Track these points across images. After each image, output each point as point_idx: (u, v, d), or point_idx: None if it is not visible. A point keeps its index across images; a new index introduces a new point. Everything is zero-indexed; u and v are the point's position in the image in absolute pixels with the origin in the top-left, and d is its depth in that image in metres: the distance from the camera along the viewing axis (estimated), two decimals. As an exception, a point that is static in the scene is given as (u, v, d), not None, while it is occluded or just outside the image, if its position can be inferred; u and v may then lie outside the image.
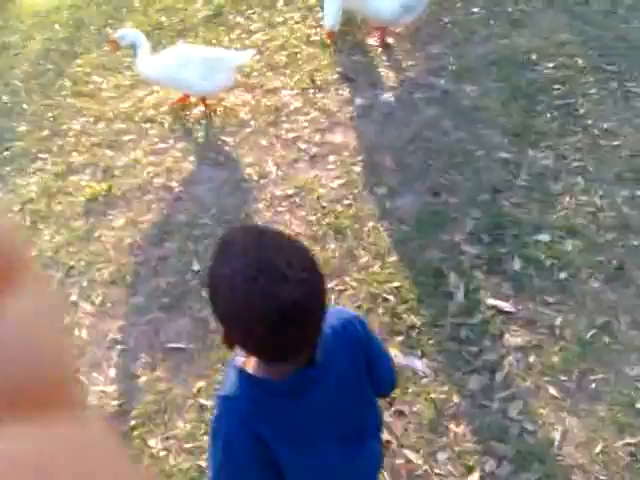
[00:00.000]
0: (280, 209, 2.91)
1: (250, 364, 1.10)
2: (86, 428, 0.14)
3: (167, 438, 2.06)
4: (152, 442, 2.05)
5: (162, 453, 2.02)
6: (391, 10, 3.73)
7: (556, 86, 3.48)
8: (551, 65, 3.66)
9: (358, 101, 3.59)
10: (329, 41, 3.95)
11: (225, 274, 0.97)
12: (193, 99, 3.69)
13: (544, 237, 2.57)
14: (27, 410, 0.14)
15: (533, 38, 3.92)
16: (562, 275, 2.38)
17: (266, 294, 0.94)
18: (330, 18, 3.70)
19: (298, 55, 4.07)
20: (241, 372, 1.09)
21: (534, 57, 3.74)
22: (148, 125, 3.62)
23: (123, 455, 0.15)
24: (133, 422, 2.10)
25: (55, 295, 0.16)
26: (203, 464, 1.97)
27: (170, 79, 3.37)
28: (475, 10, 4.34)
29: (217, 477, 1.06)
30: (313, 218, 2.82)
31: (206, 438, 2.05)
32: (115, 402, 2.18)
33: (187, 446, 2.03)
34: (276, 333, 0.96)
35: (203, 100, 3.63)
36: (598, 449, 1.83)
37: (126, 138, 3.54)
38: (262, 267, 0.95)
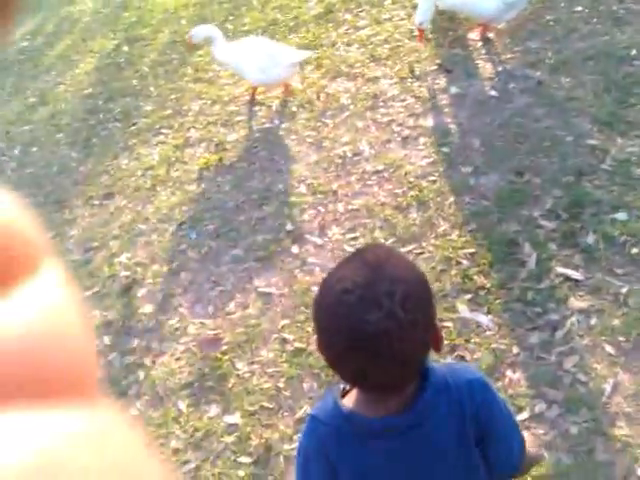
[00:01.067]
0: (369, 182, 3.15)
1: (351, 396, 1.08)
2: (103, 418, 0.14)
3: (252, 363, 2.35)
4: (239, 365, 2.35)
5: (247, 375, 2.31)
6: (494, 7, 3.88)
7: (653, 79, 3.50)
8: (651, 60, 3.66)
9: (453, 90, 3.77)
10: (418, 38, 4.05)
11: (332, 281, 0.98)
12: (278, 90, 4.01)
13: (621, 216, 2.64)
14: (44, 400, 0.13)
15: (635, 35, 3.93)
16: (634, 250, 2.46)
17: (352, 311, 0.93)
18: (420, 15, 3.84)
19: (400, 48, 4.29)
20: (335, 399, 1.07)
21: (634, 52, 3.75)
22: (257, 107, 3.99)
23: (140, 445, 0.14)
24: (224, 347, 2.41)
25: (71, 283, 0.16)
26: (281, 385, 2.24)
27: (235, 66, 3.73)
28: (578, 9, 4.37)
29: None
30: (399, 191, 3.04)
31: (285, 366, 2.33)
32: (211, 332, 2.50)
33: (269, 370, 2.31)
34: (352, 354, 0.94)
35: (254, 89, 3.94)
36: (647, 400, 1.93)
37: (238, 118, 3.92)
38: (362, 284, 0.94)
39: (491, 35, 4.23)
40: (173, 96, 4.27)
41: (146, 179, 3.49)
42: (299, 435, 1.18)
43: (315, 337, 1.03)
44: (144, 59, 4.86)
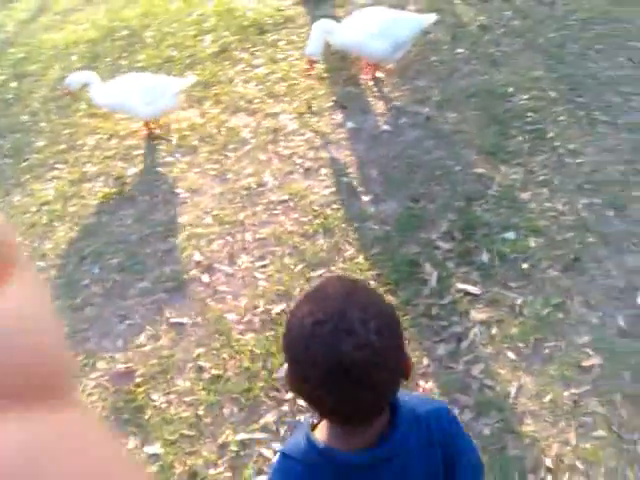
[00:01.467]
0: (276, 212, 3.22)
1: (322, 430, 1.07)
2: (80, 421, 0.14)
3: (168, 393, 2.31)
4: (155, 396, 2.30)
5: (164, 405, 2.27)
6: (383, 48, 4.13)
7: (529, 114, 3.85)
8: (525, 97, 4.03)
9: (349, 124, 3.95)
10: (308, 68, 4.13)
11: (300, 314, 0.98)
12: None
13: (510, 235, 2.87)
14: (22, 402, 0.13)
15: (510, 75, 4.32)
16: (524, 265, 2.68)
17: (327, 342, 0.93)
18: (310, 46, 3.95)
19: (296, 86, 4.45)
20: (308, 434, 1.06)
21: (510, 90, 4.12)
22: (157, 142, 3.97)
23: (117, 450, 0.14)
24: (138, 380, 2.36)
25: (45, 290, 0.16)
26: (201, 412, 2.22)
27: (119, 106, 3.76)
28: (460, 50, 4.75)
29: None
30: (305, 219, 3.13)
31: (203, 393, 2.31)
32: (122, 365, 2.43)
33: (186, 399, 2.28)
34: (329, 385, 0.94)
35: (147, 124, 3.98)
36: (547, 399, 2.09)
37: (136, 152, 3.88)
38: (334, 315, 0.94)
39: (381, 75, 4.49)
40: (67, 131, 4.17)
41: (42, 215, 3.37)
42: (268, 473, 1.11)
43: (286, 374, 1.03)
44: (34, 95, 4.71)
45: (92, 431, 0.15)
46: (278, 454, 1.09)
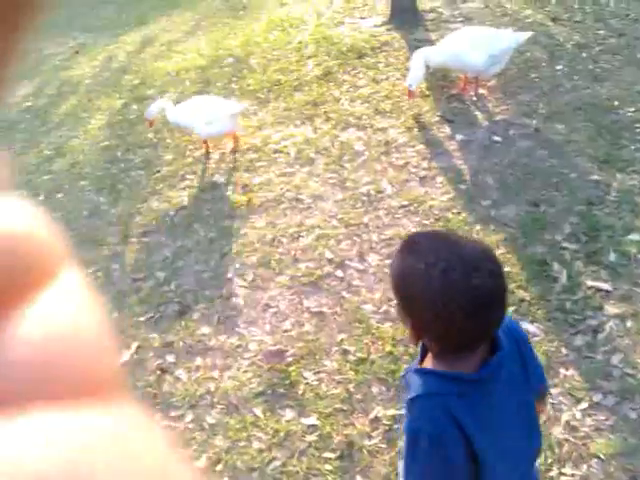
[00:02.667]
0: (397, 216, 3.40)
1: (430, 366, 1.18)
2: (126, 419, 0.14)
3: (318, 372, 2.49)
4: (306, 374, 2.48)
5: (315, 382, 2.45)
6: (482, 61, 4.31)
7: (637, 125, 3.92)
8: (632, 109, 4.10)
9: (458, 137, 4.11)
10: (408, 96, 4.40)
11: (420, 268, 1.07)
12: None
13: (635, 237, 2.94)
14: (64, 402, 0.13)
15: (614, 89, 4.40)
16: (653, 263, 2.75)
17: (462, 282, 1.05)
18: (410, 78, 4.25)
19: (401, 103, 4.66)
20: (429, 371, 1.16)
21: (616, 103, 4.20)
22: (276, 155, 4.24)
23: (164, 446, 0.14)
24: (289, 359, 2.55)
25: (91, 291, 0.15)
26: (351, 389, 2.39)
27: (185, 125, 4.11)
28: (559, 67, 4.86)
29: (424, 477, 1.12)
30: (427, 222, 3.29)
31: (351, 373, 2.47)
32: (272, 347, 2.64)
33: (336, 377, 2.45)
34: (473, 317, 1.05)
35: (205, 142, 4.31)
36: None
37: (259, 164, 4.15)
38: (455, 259, 1.06)
39: (483, 91, 4.65)
40: (191, 147, 4.49)
41: (180, 218, 3.66)
42: (405, 424, 1.15)
43: (415, 327, 1.12)
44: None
45: (145, 433, 0.14)
46: (411, 403, 1.14)
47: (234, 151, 4.32)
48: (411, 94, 4.33)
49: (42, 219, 0.16)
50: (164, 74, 6.15)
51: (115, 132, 4.70)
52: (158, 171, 4.26)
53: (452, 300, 1.05)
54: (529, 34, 4.38)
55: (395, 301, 1.20)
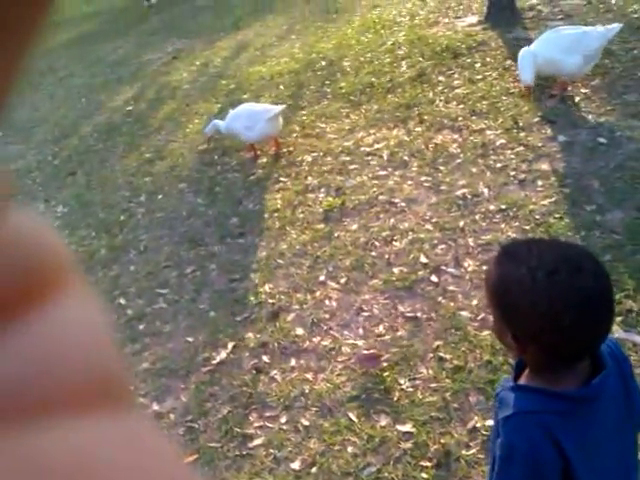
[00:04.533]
0: (495, 220, 3.30)
1: (526, 382, 1.13)
2: (135, 428, 0.14)
3: (414, 379, 2.45)
4: (401, 380, 2.45)
5: (410, 389, 2.41)
6: (577, 64, 4.14)
7: None
8: None
9: (561, 138, 3.95)
10: (527, 94, 4.35)
11: (523, 274, 1.04)
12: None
13: None
14: (72, 412, 0.13)
15: None
16: None
17: (568, 284, 1.01)
18: (526, 75, 4.17)
19: (499, 104, 4.52)
20: (527, 387, 1.12)
21: None
22: (369, 157, 4.23)
23: (173, 455, 0.14)
24: (383, 364, 2.52)
25: (100, 300, 0.15)
26: (448, 398, 2.33)
27: (232, 133, 4.40)
28: (670, 65, 4.58)
29: None
30: (527, 227, 3.17)
31: (448, 381, 2.42)
32: (366, 351, 2.62)
33: (432, 385, 2.40)
34: (580, 321, 1.01)
35: (252, 145, 4.47)
36: None
37: (351, 167, 4.15)
38: (560, 261, 1.03)
39: (586, 91, 4.44)
40: (285, 150, 4.55)
41: (274, 220, 3.71)
42: (500, 441, 1.09)
43: (516, 336, 1.07)
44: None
45: (152, 441, 0.14)
46: (508, 421, 1.09)
47: (277, 154, 4.47)
48: (529, 89, 4.28)
49: (49, 229, 0.15)
50: (259, 78, 6.27)
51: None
52: (253, 174, 4.34)
53: (559, 303, 1.01)
54: (618, 26, 4.16)
55: (492, 312, 1.15)
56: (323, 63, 6.21)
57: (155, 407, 2.65)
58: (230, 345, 2.85)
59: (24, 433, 0.13)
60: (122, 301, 3.39)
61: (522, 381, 1.14)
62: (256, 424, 2.42)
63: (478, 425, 2.20)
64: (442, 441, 2.17)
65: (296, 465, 2.22)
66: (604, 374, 1.07)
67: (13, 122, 6.99)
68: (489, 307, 1.17)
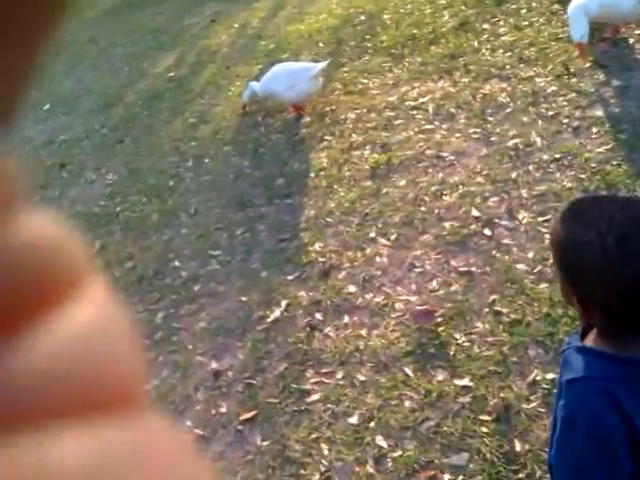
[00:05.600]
0: (549, 170, 3.20)
1: (593, 344, 1.10)
2: (152, 431, 0.14)
3: (470, 333, 2.42)
4: (457, 335, 2.43)
5: (467, 344, 2.38)
6: (633, 5, 3.92)
7: None
8: None
9: (614, 83, 3.78)
10: (581, 53, 3.92)
11: (591, 237, 0.99)
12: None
13: None
14: (90, 416, 0.13)
15: None
16: None
17: (638, 252, 0.97)
18: (576, 30, 3.81)
19: (547, 50, 4.35)
20: (593, 351, 1.08)
21: None
22: (414, 112, 4.13)
23: (190, 457, 0.14)
24: (438, 320, 2.50)
25: (118, 301, 0.15)
26: (506, 352, 2.30)
27: (270, 96, 4.31)
28: None
29: (579, 467, 1.03)
30: (584, 176, 3.07)
31: (505, 335, 2.38)
32: (420, 307, 2.60)
33: (489, 339, 2.37)
34: None
35: (294, 105, 4.37)
36: None
37: (396, 122, 4.07)
38: (632, 225, 0.98)
39: (642, 31, 4.22)
40: (327, 108, 4.49)
41: (320, 179, 3.69)
42: (562, 404, 1.07)
43: (587, 301, 1.05)
44: (292, 78, 5.13)
45: (172, 444, 0.14)
46: (571, 385, 1.06)
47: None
48: (582, 48, 3.86)
49: (65, 228, 0.15)
50: (297, 37, 6.17)
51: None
52: (297, 134, 4.31)
53: (630, 271, 0.97)
54: None
55: (558, 273, 1.12)
56: (362, 17, 6.06)
57: (214, 365, 2.70)
58: (284, 303, 2.86)
59: (38, 440, 0.12)
60: (177, 263, 3.44)
61: (589, 342, 1.11)
62: (313, 380, 2.45)
63: (538, 378, 2.18)
64: (501, 395, 2.15)
65: (354, 420, 2.24)
66: None
67: (59, 94, 7.09)
68: (555, 266, 1.14)
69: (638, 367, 1.04)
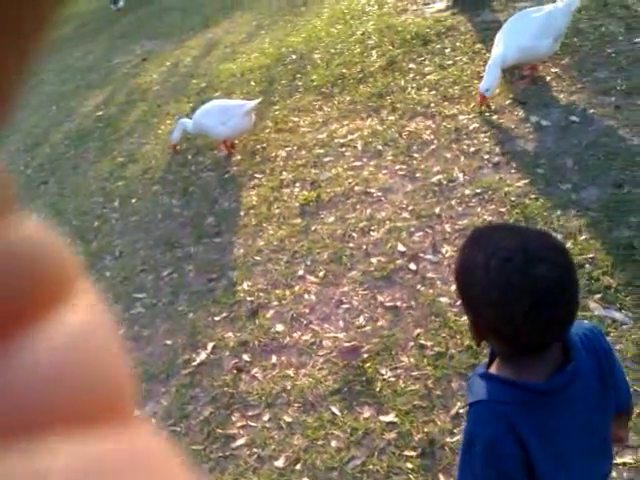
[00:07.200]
0: (471, 204, 3.28)
1: (498, 370, 1.11)
2: (139, 440, 0.14)
3: (395, 368, 2.42)
4: (383, 371, 2.42)
5: (392, 379, 2.38)
6: (549, 46, 4.14)
7: None
8: None
9: (533, 119, 3.94)
10: (479, 100, 4.06)
11: (479, 260, 1.02)
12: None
13: None
14: (77, 426, 0.13)
15: (703, 58, 4.10)
16: None
17: (522, 272, 0.98)
18: (487, 82, 3.97)
19: (470, 88, 4.51)
20: (493, 377, 1.09)
21: None
22: (343, 149, 4.19)
23: (178, 466, 0.14)
24: (365, 355, 2.50)
25: (106, 309, 0.15)
26: (430, 385, 2.31)
27: (204, 131, 4.31)
28: (637, 40, 4.58)
29: None
30: (503, 209, 3.16)
31: (429, 369, 2.40)
32: (347, 343, 2.59)
33: (413, 373, 2.38)
34: (532, 312, 0.97)
35: (225, 142, 4.43)
36: None
37: (326, 159, 4.12)
38: (517, 249, 0.99)
39: (556, 70, 4.43)
40: (258, 146, 4.51)
41: (250, 217, 3.67)
42: (464, 428, 1.12)
43: (474, 323, 1.06)
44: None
45: (159, 453, 0.14)
46: (472, 408, 1.09)
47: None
48: (484, 100, 4.04)
49: (53, 235, 0.15)
50: (230, 75, 6.21)
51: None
52: (227, 172, 4.30)
53: (510, 292, 0.98)
54: None
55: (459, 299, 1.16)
56: (293, 57, 6.16)
57: (136, 413, 2.60)
58: (210, 346, 2.81)
59: (30, 449, 0.12)
60: (99, 308, 3.33)
61: (492, 369, 1.12)
62: (239, 424, 2.39)
63: (461, 411, 2.19)
64: (426, 429, 2.15)
65: (280, 463, 2.19)
66: (572, 366, 1.05)
67: (-17, 133, 6.88)
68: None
69: (533, 393, 1.04)
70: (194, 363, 2.75)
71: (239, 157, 4.44)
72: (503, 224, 1.02)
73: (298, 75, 5.66)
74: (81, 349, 0.14)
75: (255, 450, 2.26)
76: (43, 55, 0.14)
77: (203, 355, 2.76)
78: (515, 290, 0.97)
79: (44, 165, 5.46)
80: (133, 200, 4.31)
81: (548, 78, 4.38)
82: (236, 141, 4.54)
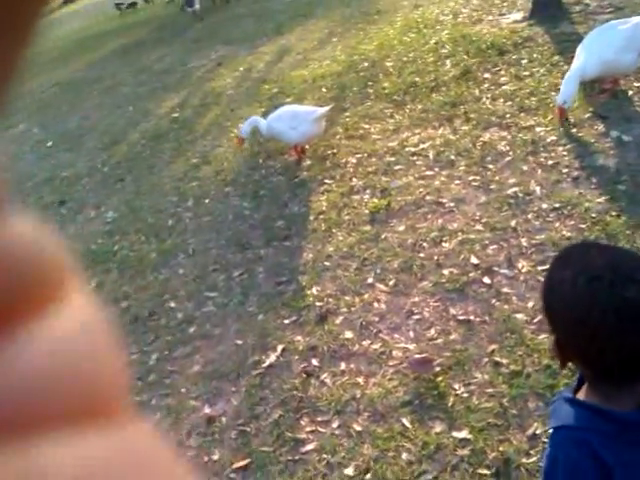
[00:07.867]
0: (549, 219, 3.20)
1: (585, 397, 1.08)
2: (135, 439, 0.14)
3: (469, 384, 2.38)
4: (455, 386, 2.38)
5: (465, 395, 2.34)
6: (632, 61, 4.00)
7: None
8: None
9: (614, 133, 3.81)
10: (558, 115, 3.95)
11: (567, 276, 0.99)
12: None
13: None
14: (71, 425, 0.13)
15: None
16: None
17: (610, 292, 0.94)
18: (564, 94, 3.85)
19: (548, 100, 4.40)
20: (578, 402, 1.06)
21: None
22: (415, 158, 4.16)
23: (175, 465, 0.14)
24: (437, 369, 2.46)
25: (99, 307, 0.15)
26: (505, 404, 2.25)
27: (276, 135, 4.37)
28: None
29: None
30: (584, 226, 3.07)
31: (504, 387, 2.34)
32: (418, 355, 2.56)
33: (488, 390, 2.33)
34: (618, 334, 0.94)
35: (296, 147, 4.45)
36: None
37: (397, 167, 4.09)
38: (607, 267, 0.97)
39: (639, 84, 4.28)
40: (328, 152, 4.52)
41: (319, 222, 3.69)
42: (546, 452, 1.07)
43: (558, 343, 1.03)
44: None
45: (157, 450, 0.14)
46: (555, 433, 1.07)
47: (301, 157, 4.52)
48: (562, 112, 3.92)
49: (49, 233, 0.15)
50: (301, 82, 6.27)
51: (256, 140, 4.83)
52: (297, 176, 4.33)
53: (595, 310, 0.95)
54: None
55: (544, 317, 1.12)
56: (365, 64, 6.16)
57: (207, 410, 2.64)
58: (279, 348, 2.82)
59: (22, 448, 0.12)
60: (172, 304, 3.41)
61: (580, 394, 1.09)
62: (308, 428, 2.39)
63: (538, 432, 2.12)
64: (501, 448, 2.10)
65: (350, 471, 2.18)
66: None
67: (63, 131, 7.15)
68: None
69: (616, 423, 1.01)
70: (264, 365, 2.77)
71: (309, 162, 4.47)
72: (596, 242, 1.00)
73: (370, 83, 5.65)
74: (74, 349, 0.14)
75: (325, 456, 2.25)
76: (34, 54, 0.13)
77: (273, 357, 2.78)
78: (600, 309, 0.95)
79: (121, 163, 5.63)
80: (206, 200, 4.40)
81: (630, 92, 4.24)
82: (307, 146, 4.57)
